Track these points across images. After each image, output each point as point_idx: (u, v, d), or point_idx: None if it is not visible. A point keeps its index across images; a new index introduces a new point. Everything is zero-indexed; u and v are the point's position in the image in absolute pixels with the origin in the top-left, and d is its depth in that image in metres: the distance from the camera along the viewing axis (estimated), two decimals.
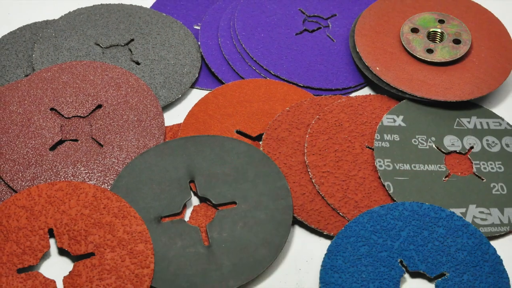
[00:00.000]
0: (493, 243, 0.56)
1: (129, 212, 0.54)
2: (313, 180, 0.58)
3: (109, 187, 0.57)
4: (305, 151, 0.59)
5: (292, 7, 0.73)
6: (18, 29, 0.70)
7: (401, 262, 0.53)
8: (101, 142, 0.60)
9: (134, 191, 0.56)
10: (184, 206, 0.56)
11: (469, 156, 0.61)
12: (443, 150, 0.61)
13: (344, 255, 0.52)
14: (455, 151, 0.61)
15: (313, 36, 0.71)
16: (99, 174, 0.58)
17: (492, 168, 0.60)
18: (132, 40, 0.69)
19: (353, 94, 0.67)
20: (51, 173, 0.58)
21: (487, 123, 0.64)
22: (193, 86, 0.68)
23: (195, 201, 0.58)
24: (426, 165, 0.59)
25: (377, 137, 0.61)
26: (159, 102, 0.64)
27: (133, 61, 0.68)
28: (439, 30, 0.67)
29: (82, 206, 0.54)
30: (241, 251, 0.53)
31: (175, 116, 0.65)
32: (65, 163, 0.58)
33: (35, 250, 0.52)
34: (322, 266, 0.52)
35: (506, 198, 0.58)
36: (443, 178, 0.59)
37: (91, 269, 0.51)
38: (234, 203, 0.56)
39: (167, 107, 0.66)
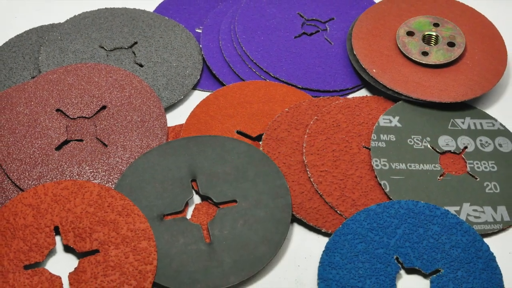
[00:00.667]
0: (487, 240, 0.56)
1: (133, 210, 0.54)
2: (312, 179, 0.58)
3: (113, 186, 0.57)
4: (304, 151, 0.59)
5: (291, 11, 0.73)
6: (24, 32, 0.70)
7: (397, 258, 0.53)
8: (106, 142, 0.60)
9: (137, 190, 0.56)
10: (186, 205, 0.56)
11: (463, 156, 0.61)
12: (438, 150, 0.61)
13: (341, 252, 0.52)
14: (449, 151, 0.61)
15: (311, 39, 0.71)
16: (104, 173, 0.58)
17: (486, 168, 0.60)
18: (136, 43, 0.69)
19: (350, 96, 0.67)
20: (57, 172, 0.58)
21: (481, 123, 0.64)
22: (194, 87, 0.68)
23: (196, 199, 0.58)
24: (421, 165, 0.59)
25: (374, 137, 0.61)
26: (162, 103, 0.64)
27: (137, 63, 0.68)
28: (434, 33, 0.67)
29: (87, 204, 0.54)
30: (241, 248, 0.53)
31: (177, 117, 0.65)
32: (71, 163, 0.58)
33: (41, 247, 0.52)
34: (320, 262, 0.52)
35: (499, 197, 0.58)
36: (438, 177, 0.59)
37: (96, 265, 0.51)
38: (235, 201, 0.56)
39: (169, 108, 0.66)
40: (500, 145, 0.62)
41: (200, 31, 0.72)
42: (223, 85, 0.67)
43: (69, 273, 0.51)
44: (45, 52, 0.67)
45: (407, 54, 0.66)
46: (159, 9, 0.75)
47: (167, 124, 0.63)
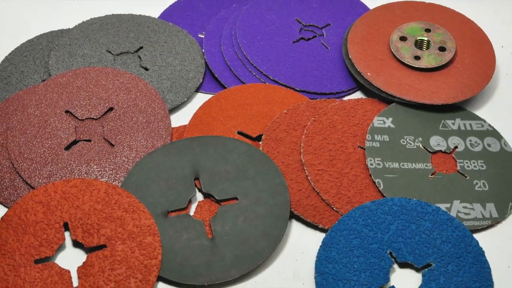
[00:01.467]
0: (476, 235, 0.56)
1: (138, 207, 0.54)
2: (309, 178, 0.58)
3: (119, 184, 0.57)
4: (302, 150, 0.59)
5: (289, 17, 0.73)
6: (35, 37, 0.70)
7: (390, 253, 0.53)
8: (113, 142, 0.60)
9: (143, 188, 0.56)
10: (189, 202, 0.56)
11: (453, 155, 0.61)
12: (429, 150, 0.61)
13: (337, 247, 0.52)
14: (440, 151, 0.61)
15: (309, 44, 0.71)
16: (111, 172, 0.58)
17: (475, 167, 0.60)
18: (141, 47, 0.69)
19: (346, 98, 0.67)
20: (66, 171, 0.58)
21: (470, 124, 0.64)
22: (197, 90, 0.68)
23: (199, 197, 0.58)
24: (413, 164, 0.59)
25: (368, 137, 0.61)
26: (166, 105, 0.64)
27: (142, 67, 0.68)
28: (425, 39, 0.67)
29: (94, 202, 0.54)
30: (242, 243, 0.53)
31: (181, 118, 0.65)
32: (79, 162, 0.58)
33: (51, 242, 0.52)
34: (317, 257, 0.52)
35: (488, 194, 0.58)
36: (430, 176, 0.59)
37: (103, 260, 0.51)
38: (236, 198, 0.56)
39: (173, 109, 0.66)
40: (489, 145, 0.62)
41: (203, 36, 0.72)
42: (225, 87, 0.67)
43: (78, 267, 0.51)
44: (55, 56, 0.67)
45: (400, 58, 0.66)
46: (164, 15, 0.75)
47: (171, 125, 0.63)
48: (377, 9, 0.72)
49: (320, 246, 0.53)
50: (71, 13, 0.76)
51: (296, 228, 0.57)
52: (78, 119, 0.62)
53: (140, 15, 0.73)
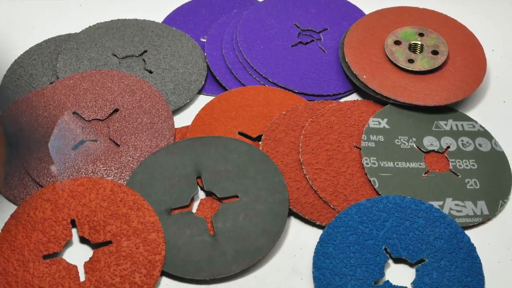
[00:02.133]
0: (468, 232, 0.56)
1: (143, 205, 0.54)
2: (307, 176, 0.58)
3: (125, 182, 0.58)
4: (300, 150, 0.59)
5: (288, 22, 0.73)
6: (43, 41, 0.70)
7: (385, 249, 0.53)
8: (118, 142, 0.60)
9: (147, 186, 0.56)
10: (192, 200, 0.56)
11: (446, 155, 0.61)
12: (422, 150, 0.61)
13: (334, 243, 0.52)
14: (433, 150, 0.61)
15: (307, 48, 0.71)
16: (116, 171, 0.58)
17: (467, 166, 0.60)
18: (146, 51, 0.69)
19: (342, 100, 0.67)
20: (73, 170, 0.58)
21: (462, 125, 0.64)
22: (199, 92, 0.68)
23: (201, 195, 0.58)
24: (407, 163, 0.59)
25: (364, 137, 0.61)
26: (170, 107, 0.64)
27: (146, 70, 0.68)
28: (419, 42, 0.67)
29: (101, 199, 0.54)
30: (243, 239, 0.53)
31: (183, 119, 0.65)
32: (86, 161, 0.59)
33: (59, 238, 0.52)
34: (315, 253, 0.52)
35: (479, 192, 0.58)
36: (423, 174, 0.59)
37: (109, 255, 0.51)
38: (237, 196, 0.56)
39: (176, 111, 0.66)
40: (480, 145, 0.62)
41: (205, 40, 0.72)
42: (226, 90, 0.67)
43: (85, 262, 0.51)
44: (63, 59, 0.67)
45: (394, 62, 0.66)
46: (167, 20, 0.75)
47: (174, 126, 0.63)
48: (372, 14, 0.72)
49: (318, 242, 0.53)
50: (78, 18, 0.76)
51: (295, 225, 0.57)
52: (85, 120, 0.62)
53: (144, 20, 0.73)
